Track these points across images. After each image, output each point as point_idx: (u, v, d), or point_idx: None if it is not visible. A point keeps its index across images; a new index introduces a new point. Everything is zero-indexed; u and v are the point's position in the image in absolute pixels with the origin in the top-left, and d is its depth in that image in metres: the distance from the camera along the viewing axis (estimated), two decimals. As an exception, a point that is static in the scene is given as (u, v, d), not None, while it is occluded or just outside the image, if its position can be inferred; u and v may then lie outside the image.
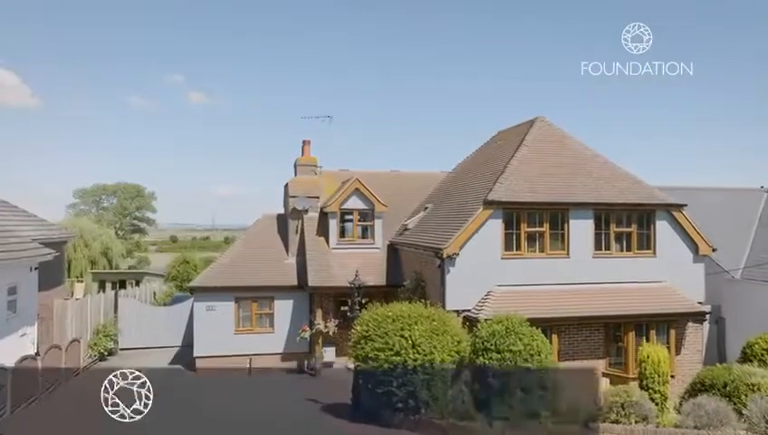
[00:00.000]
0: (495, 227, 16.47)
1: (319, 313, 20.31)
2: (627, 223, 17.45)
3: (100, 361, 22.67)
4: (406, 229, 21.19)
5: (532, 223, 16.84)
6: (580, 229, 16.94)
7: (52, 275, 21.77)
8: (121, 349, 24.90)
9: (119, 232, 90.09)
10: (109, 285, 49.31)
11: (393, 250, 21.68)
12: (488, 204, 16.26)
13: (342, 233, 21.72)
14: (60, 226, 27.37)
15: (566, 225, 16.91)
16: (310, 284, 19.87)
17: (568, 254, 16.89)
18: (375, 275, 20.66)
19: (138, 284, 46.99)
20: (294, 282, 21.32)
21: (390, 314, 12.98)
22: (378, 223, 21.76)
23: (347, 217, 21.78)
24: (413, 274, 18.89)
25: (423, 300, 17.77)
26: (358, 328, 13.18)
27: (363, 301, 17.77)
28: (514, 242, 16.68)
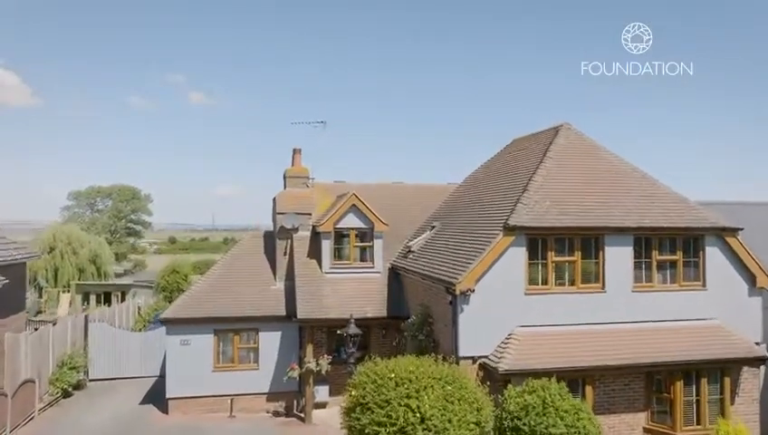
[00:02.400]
0: (518, 257, 13.80)
1: (309, 348, 17.62)
2: (671, 250, 14.78)
3: (64, 397, 20.01)
4: (410, 251, 18.51)
5: (561, 251, 14.16)
6: (618, 258, 14.28)
7: (8, 301, 19.15)
8: (92, 380, 22.30)
9: (114, 235, 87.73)
10: (93, 298, 46.88)
11: (395, 274, 19.00)
12: (510, 229, 13.59)
13: (337, 255, 19.01)
14: (23, 243, 24.62)
15: (601, 253, 14.25)
16: (299, 315, 17.19)
17: (603, 287, 14.23)
18: (374, 305, 18.04)
19: (123, 297, 44.39)
20: (282, 311, 18.62)
21: (393, 375, 10.36)
22: (377, 244, 19.05)
23: (342, 237, 19.07)
24: (419, 307, 16.22)
25: (431, 340, 15.26)
26: (352, 392, 10.55)
27: (361, 334, 15.16)
28: (540, 274, 14.01)
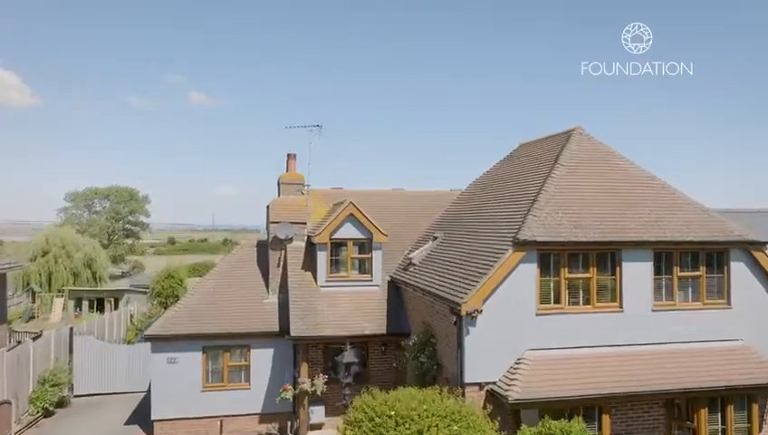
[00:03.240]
0: (528, 274, 12.69)
1: (304, 367, 16.50)
2: (693, 265, 13.69)
3: (45, 417, 18.92)
4: (410, 264, 17.40)
5: (575, 268, 13.07)
6: (637, 274, 13.18)
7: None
8: (77, 395, 21.22)
9: (111, 237, 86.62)
10: (86, 304, 45.77)
11: (395, 288, 17.89)
12: (520, 244, 12.49)
13: (333, 267, 17.87)
14: (6, 252, 23.51)
15: (618, 269, 13.15)
16: (292, 333, 16.07)
17: (621, 306, 13.13)
18: (373, 321, 16.92)
19: (117, 303, 43.27)
20: (276, 327, 17.52)
21: (393, 413, 9.26)
22: (377, 255, 17.93)
23: (339, 247, 17.94)
24: (420, 326, 15.13)
25: (433, 362, 14.17)
26: (347, 433, 9.45)
27: (357, 362, 14.13)
28: (552, 292, 12.91)
